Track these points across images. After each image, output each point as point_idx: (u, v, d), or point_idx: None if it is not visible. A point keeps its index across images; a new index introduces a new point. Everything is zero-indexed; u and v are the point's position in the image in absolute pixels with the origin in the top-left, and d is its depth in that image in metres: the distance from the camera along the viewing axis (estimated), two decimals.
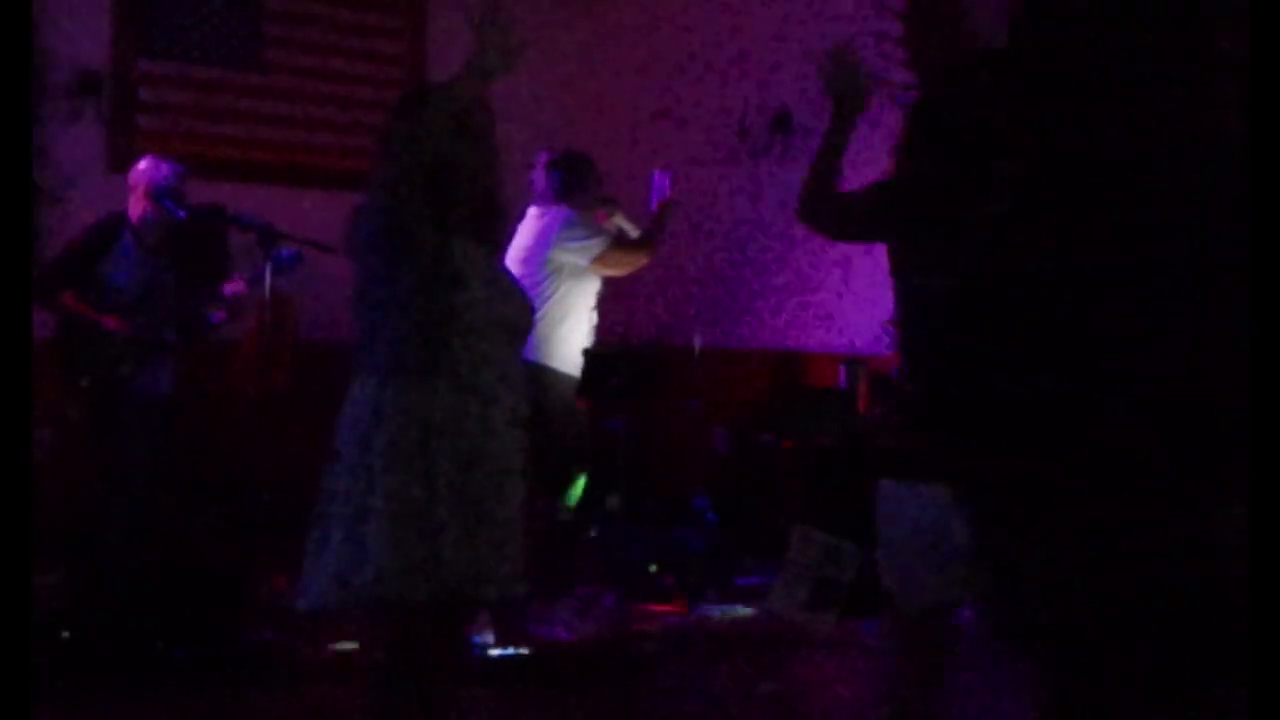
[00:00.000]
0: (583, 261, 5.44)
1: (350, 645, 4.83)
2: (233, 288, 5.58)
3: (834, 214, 3.03)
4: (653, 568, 6.10)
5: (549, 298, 5.42)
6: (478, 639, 4.96)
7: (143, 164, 5.58)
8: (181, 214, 5.44)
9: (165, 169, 5.52)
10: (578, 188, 5.56)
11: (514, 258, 5.33)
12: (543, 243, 5.41)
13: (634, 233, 5.84)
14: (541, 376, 5.37)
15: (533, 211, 5.52)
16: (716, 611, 5.95)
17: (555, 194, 5.51)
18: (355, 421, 3.09)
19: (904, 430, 2.93)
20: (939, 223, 2.70)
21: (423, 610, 3.05)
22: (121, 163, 6.33)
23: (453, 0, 7.85)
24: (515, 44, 3.08)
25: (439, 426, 3.04)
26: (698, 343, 6.50)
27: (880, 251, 3.03)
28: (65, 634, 4.55)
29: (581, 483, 5.60)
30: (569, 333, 5.47)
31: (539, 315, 5.39)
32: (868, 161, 3.11)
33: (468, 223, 3.19)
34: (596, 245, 5.46)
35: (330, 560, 3.03)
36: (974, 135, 2.70)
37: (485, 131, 3.27)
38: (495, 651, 4.92)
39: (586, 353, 5.48)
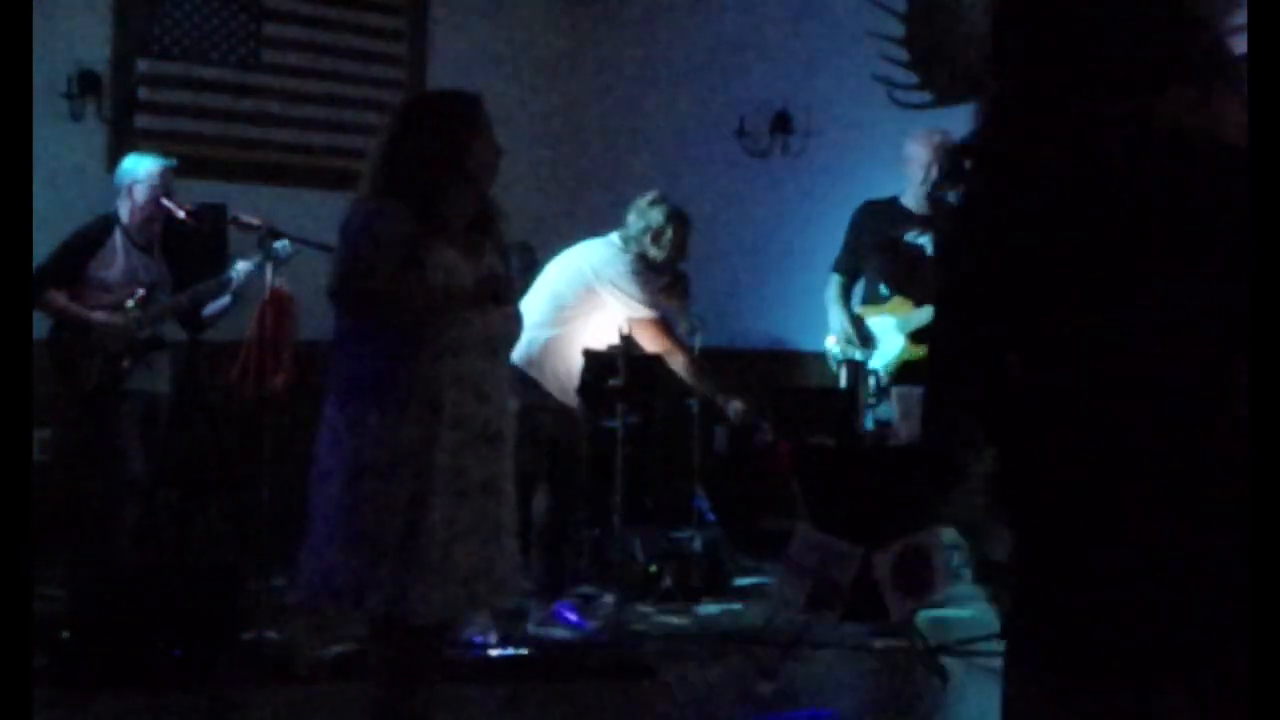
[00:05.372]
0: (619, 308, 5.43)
1: (350, 645, 4.82)
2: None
3: None
4: (653, 568, 6.09)
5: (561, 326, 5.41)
6: (478, 639, 4.96)
7: (126, 163, 5.55)
8: (182, 214, 5.43)
9: (154, 167, 5.49)
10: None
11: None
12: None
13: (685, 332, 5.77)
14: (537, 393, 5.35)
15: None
16: (716, 611, 5.94)
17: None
18: (333, 445, 3.13)
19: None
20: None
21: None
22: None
23: (452, 0, 7.87)
24: None
25: (406, 448, 3.07)
26: (698, 343, 6.48)
27: None
28: (65, 634, 4.54)
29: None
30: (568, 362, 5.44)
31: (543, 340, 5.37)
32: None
33: (459, 233, 3.19)
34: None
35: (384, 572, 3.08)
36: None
37: (486, 138, 3.27)
38: (495, 651, 4.91)
39: (586, 352, 5.46)
